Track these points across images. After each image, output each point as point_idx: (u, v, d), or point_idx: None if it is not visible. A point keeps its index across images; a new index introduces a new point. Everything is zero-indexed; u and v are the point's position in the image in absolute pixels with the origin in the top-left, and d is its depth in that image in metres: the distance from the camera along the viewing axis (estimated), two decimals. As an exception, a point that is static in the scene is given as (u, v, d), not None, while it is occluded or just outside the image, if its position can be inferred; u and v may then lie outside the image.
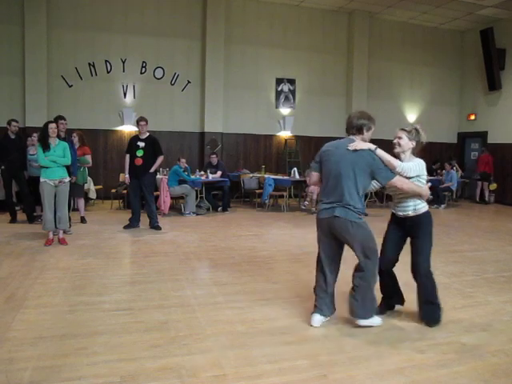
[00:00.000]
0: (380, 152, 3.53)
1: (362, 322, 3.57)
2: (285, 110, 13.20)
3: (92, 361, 2.95)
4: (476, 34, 13.73)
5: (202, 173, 10.52)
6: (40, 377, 2.73)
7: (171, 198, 9.63)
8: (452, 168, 12.47)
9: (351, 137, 3.59)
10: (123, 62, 11.61)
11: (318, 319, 3.62)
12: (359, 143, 3.50)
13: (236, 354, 3.12)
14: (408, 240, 3.91)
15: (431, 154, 14.54)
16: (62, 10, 11.00)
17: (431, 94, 14.76)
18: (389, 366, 2.97)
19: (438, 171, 13.11)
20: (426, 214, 3.73)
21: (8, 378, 2.70)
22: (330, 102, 13.53)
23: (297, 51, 13.10)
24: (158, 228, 7.70)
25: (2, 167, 8.22)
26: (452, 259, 6.03)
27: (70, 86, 11.22)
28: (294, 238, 7.34)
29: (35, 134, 8.13)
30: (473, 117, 14.68)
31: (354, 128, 3.58)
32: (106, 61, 11.46)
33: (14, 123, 8.21)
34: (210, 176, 10.27)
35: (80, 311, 3.84)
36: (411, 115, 14.64)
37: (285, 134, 13.16)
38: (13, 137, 8.22)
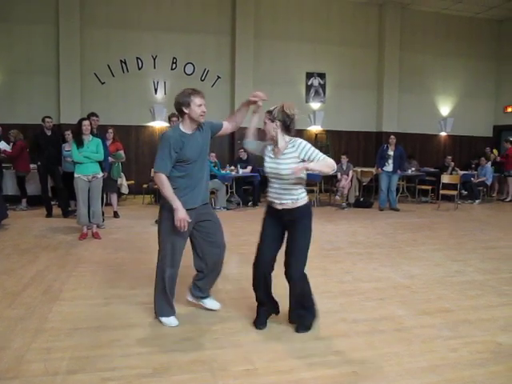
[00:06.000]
0: (312, 165, 3.12)
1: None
2: (315, 105, 13.10)
3: (125, 352, 3.02)
4: (514, 23, 13.32)
5: (233, 168, 10.56)
6: (76, 366, 2.81)
7: (202, 192, 9.69)
8: (487, 162, 12.10)
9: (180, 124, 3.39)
10: (154, 59, 11.75)
11: None
12: (297, 168, 3.09)
13: (267, 348, 3.13)
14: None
15: (466, 147, 14.23)
16: (94, 8, 11.20)
17: (466, 86, 14.38)
18: (421, 364, 2.93)
19: (473, 166, 12.76)
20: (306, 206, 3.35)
21: (46, 367, 2.79)
22: (360, 96, 13.36)
23: (327, 45, 12.96)
24: (189, 223, 7.77)
25: (39, 163, 8.47)
26: (487, 256, 5.88)
27: (103, 83, 11.43)
28: (324, 233, 7.29)
29: (68, 132, 8.34)
30: (510, 109, 14.22)
31: (177, 112, 3.37)
32: (137, 57, 11.62)
33: (47, 119, 8.45)
34: (241, 171, 10.30)
35: (114, 304, 3.93)
36: (445, 108, 14.32)
37: (315, 129, 13.07)
38: (49, 133, 8.46)
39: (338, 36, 13.05)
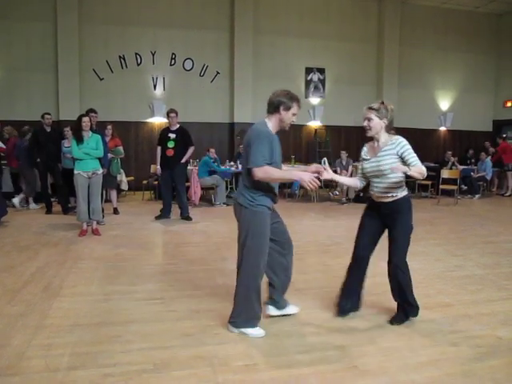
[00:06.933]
0: (412, 170, 3.16)
1: (231, 329, 3.32)
2: (314, 100, 13.08)
3: (126, 348, 3.02)
4: (513, 16, 13.29)
5: (232, 163, 10.56)
6: (77, 362, 2.82)
7: (202, 188, 9.71)
8: (487, 157, 12.08)
9: (266, 118, 3.28)
10: (153, 55, 11.72)
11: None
12: (398, 167, 3.19)
13: (267, 343, 3.14)
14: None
15: (466, 142, 14.23)
16: (93, 4, 11.17)
17: (465, 80, 14.36)
18: (421, 359, 2.93)
19: (472, 160, 12.75)
20: (405, 200, 3.39)
21: (47, 363, 2.79)
22: (359, 91, 13.32)
23: (326, 40, 12.94)
24: (188, 218, 7.79)
25: (38, 160, 8.46)
26: (487, 250, 5.88)
27: (102, 79, 11.41)
28: (324, 229, 7.30)
29: (67, 129, 8.33)
30: (510, 103, 14.20)
31: (271, 106, 3.22)
32: (136, 53, 11.60)
33: (46, 116, 8.43)
34: (240, 166, 10.28)
35: (114, 300, 3.94)
36: (444, 103, 14.30)
37: (314, 124, 13.06)
38: (48, 130, 8.44)
39: (337, 31, 13.01)
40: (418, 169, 3.20)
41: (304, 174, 3.05)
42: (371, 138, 3.41)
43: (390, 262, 3.43)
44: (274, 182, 3.18)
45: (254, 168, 3.05)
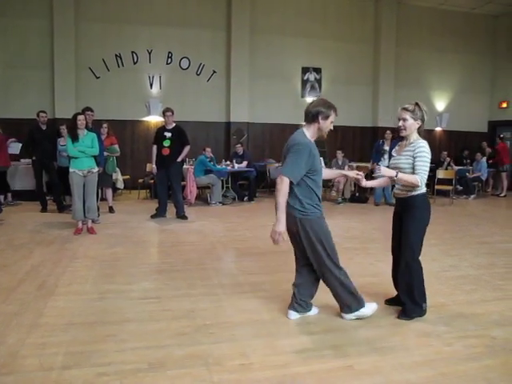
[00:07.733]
0: (400, 176, 3.39)
1: (347, 317, 3.50)
2: (311, 100, 13.03)
3: (121, 347, 3.01)
4: (510, 18, 13.32)
5: (228, 163, 10.55)
6: (71, 361, 2.80)
7: (197, 187, 9.70)
8: (483, 157, 12.12)
9: (303, 127, 3.34)
10: (149, 53, 11.69)
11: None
12: (385, 170, 3.42)
13: (262, 342, 3.13)
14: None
15: (462, 142, 14.26)
16: (90, 2, 11.12)
17: (461, 81, 14.39)
18: (416, 358, 2.94)
19: (468, 160, 12.79)
20: (420, 197, 3.50)
21: (41, 362, 2.78)
22: (356, 91, 13.34)
23: (323, 40, 12.92)
24: (184, 217, 7.77)
25: (34, 158, 8.43)
26: (482, 251, 5.90)
27: (98, 78, 11.37)
28: (319, 229, 7.30)
29: (63, 127, 8.30)
30: (505, 104, 14.25)
31: (309, 116, 3.28)
32: (132, 52, 11.56)
33: (42, 114, 8.41)
34: (236, 166, 10.30)
35: (109, 299, 3.92)
36: (440, 103, 14.33)
37: (310, 124, 13.04)
38: (44, 128, 8.41)
39: (333, 31, 13.00)
40: (411, 178, 3.38)
41: (281, 225, 3.16)
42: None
43: (400, 258, 3.53)
44: (276, 197, 3.19)
45: (282, 175, 3.18)
